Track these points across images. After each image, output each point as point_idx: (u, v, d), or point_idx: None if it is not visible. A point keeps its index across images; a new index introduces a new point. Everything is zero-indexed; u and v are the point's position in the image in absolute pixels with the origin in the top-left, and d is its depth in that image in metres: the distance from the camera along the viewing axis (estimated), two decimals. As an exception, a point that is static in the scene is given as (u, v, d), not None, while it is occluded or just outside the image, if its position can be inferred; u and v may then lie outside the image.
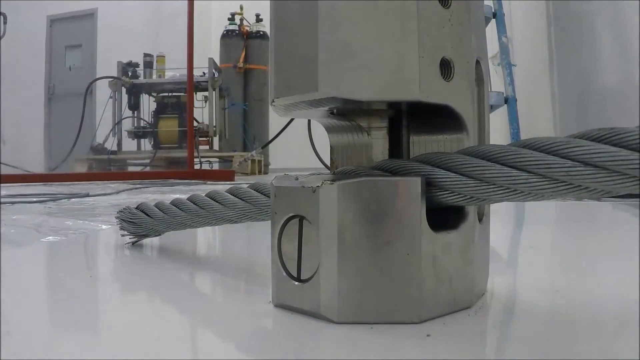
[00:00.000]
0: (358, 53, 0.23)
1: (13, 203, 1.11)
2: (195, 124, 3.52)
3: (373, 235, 0.24)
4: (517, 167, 0.22)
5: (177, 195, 0.43)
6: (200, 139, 3.84)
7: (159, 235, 0.47)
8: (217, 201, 0.37)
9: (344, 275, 0.24)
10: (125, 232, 0.47)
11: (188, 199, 0.40)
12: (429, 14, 0.24)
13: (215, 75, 4.04)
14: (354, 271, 0.24)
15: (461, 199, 0.24)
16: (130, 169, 4.07)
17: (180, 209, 0.40)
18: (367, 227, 0.24)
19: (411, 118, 0.29)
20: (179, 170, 3.17)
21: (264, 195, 0.34)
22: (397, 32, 0.23)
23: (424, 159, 0.25)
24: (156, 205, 0.44)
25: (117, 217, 0.48)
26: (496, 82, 2.61)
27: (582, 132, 0.21)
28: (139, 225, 0.45)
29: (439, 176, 0.24)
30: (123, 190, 1.61)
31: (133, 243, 0.48)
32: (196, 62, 2.95)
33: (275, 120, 3.83)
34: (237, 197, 0.36)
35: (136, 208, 0.46)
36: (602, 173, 0.20)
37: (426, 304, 0.24)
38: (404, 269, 0.24)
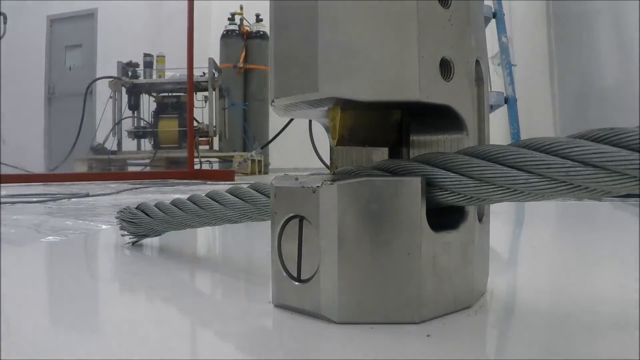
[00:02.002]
0: (358, 53, 0.23)
1: (13, 203, 1.11)
2: (195, 124, 3.52)
3: (373, 235, 0.24)
4: (517, 167, 0.22)
5: (177, 195, 0.43)
6: (200, 139, 3.84)
7: (159, 235, 0.47)
8: (217, 201, 0.37)
9: (344, 275, 0.24)
10: (125, 232, 0.47)
11: (188, 199, 0.40)
12: (429, 14, 0.24)
13: (215, 75, 4.04)
14: (354, 271, 0.24)
15: (461, 199, 0.24)
16: (130, 169, 4.07)
17: (180, 209, 0.40)
18: (367, 227, 0.24)
19: (411, 118, 0.29)
20: (179, 170, 3.16)
21: (264, 195, 0.34)
22: (397, 32, 0.23)
23: (424, 159, 0.25)
24: (156, 205, 0.44)
25: (117, 217, 0.48)
26: (496, 82, 2.61)
27: (582, 132, 0.21)
28: (139, 225, 0.45)
29: (439, 176, 0.24)
30: (123, 190, 1.61)
31: (133, 243, 0.48)
32: (196, 62, 2.94)
33: (275, 120, 3.83)
34: (237, 197, 0.36)
35: (136, 208, 0.46)
36: (602, 173, 0.20)
37: (426, 304, 0.24)
38: (404, 269, 0.24)
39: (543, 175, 0.21)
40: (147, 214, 0.44)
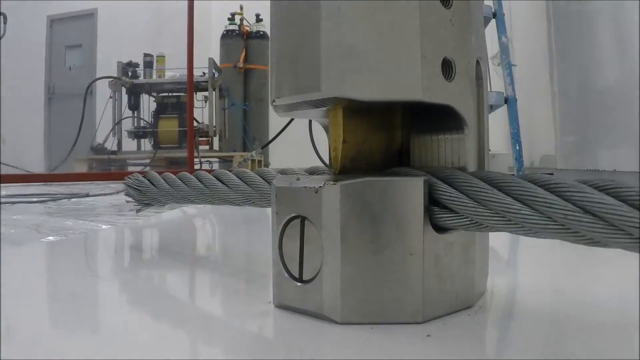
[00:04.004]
0: (361, 53, 0.23)
1: (13, 203, 1.11)
2: (195, 124, 3.52)
3: (376, 235, 0.24)
4: (518, 198, 0.22)
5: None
6: (200, 139, 3.84)
7: (163, 205, 0.48)
8: (222, 182, 0.38)
9: (346, 275, 0.24)
10: (130, 199, 0.48)
11: (194, 175, 0.41)
12: (430, 14, 0.24)
13: (215, 75, 4.04)
14: (357, 271, 0.24)
15: (458, 219, 0.24)
16: (130, 169, 4.06)
17: (185, 184, 0.41)
18: (369, 228, 0.24)
19: (411, 117, 0.29)
20: (179, 170, 3.16)
21: (268, 182, 0.35)
22: (399, 32, 0.23)
23: (428, 170, 0.26)
24: (162, 177, 0.45)
25: (124, 183, 0.49)
26: (496, 82, 2.61)
27: (587, 179, 0.21)
28: (144, 193, 0.46)
29: (440, 189, 0.24)
30: (123, 190, 1.60)
31: (137, 211, 0.49)
32: (196, 62, 2.94)
33: (275, 120, 3.82)
34: (242, 181, 0.36)
35: (143, 176, 0.47)
36: (600, 224, 0.20)
37: (429, 304, 0.24)
38: (407, 269, 0.24)
39: (543, 213, 0.21)
40: (153, 184, 0.45)
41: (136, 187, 0.47)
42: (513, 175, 0.23)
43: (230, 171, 0.38)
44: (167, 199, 0.45)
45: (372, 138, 0.28)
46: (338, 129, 0.27)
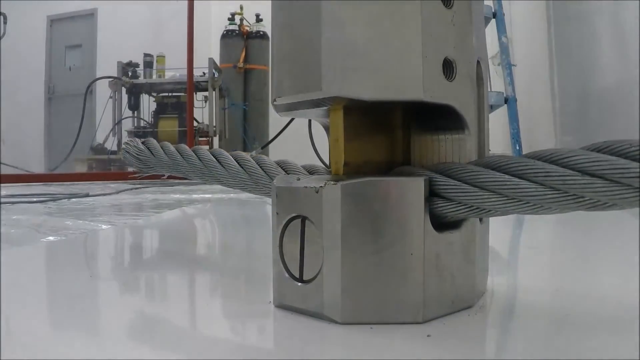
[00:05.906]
0: (362, 52, 0.23)
1: (13, 203, 1.11)
2: (195, 124, 3.52)
3: (376, 235, 0.24)
4: (517, 175, 0.22)
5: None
6: (200, 139, 3.84)
7: (162, 175, 0.48)
8: (220, 163, 0.38)
9: (347, 275, 0.24)
10: (129, 164, 0.49)
11: (193, 150, 0.41)
12: (432, 14, 0.24)
13: (215, 75, 4.04)
14: (358, 271, 0.24)
15: (462, 208, 0.24)
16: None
17: (184, 158, 0.41)
18: (370, 227, 0.24)
19: (412, 117, 0.29)
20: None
21: (265, 172, 0.35)
22: (401, 31, 0.23)
23: (427, 167, 0.26)
24: (162, 147, 0.44)
25: (123, 148, 0.49)
26: (496, 82, 2.61)
27: (587, 145, 0.21)
28: (143, 162, 0.46)
29: (438, 181, 0.24)
30: (123, 190, 1.60)
31: (139, 177, 0.50)
32: (196, 62, 2.94)
33: (275, 120, 3.83)
34: (240, 166, 0.36)
35: (143, 143, 0.47)
36: (599, 182, 0.20)
37: (430, 304, 0.24)
38: (408, 269, 0.24)
39: (542, 184, 0.21)
40: (152, 153, 0.45)
41: (135, 154, 0.47)
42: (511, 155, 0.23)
43: (229, 153, 0.38)
44: (165, 171, 0.45)
45: (374, 156, 0.28)
46: (339, 150, 0.26)
